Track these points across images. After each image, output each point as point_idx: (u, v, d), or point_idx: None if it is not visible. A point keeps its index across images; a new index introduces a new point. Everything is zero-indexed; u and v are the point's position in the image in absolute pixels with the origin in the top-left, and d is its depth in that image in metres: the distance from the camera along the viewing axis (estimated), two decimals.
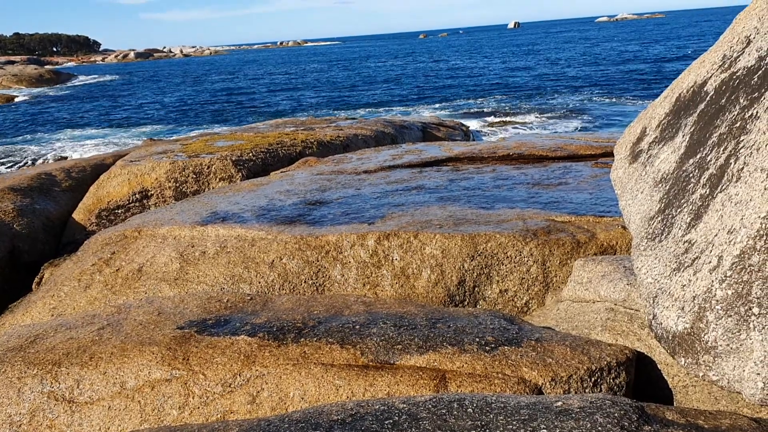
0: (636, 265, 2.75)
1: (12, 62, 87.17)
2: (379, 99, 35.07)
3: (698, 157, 2.69)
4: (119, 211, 7.57)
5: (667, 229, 2.63)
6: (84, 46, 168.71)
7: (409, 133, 11.81)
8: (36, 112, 37.96)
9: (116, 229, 5.74)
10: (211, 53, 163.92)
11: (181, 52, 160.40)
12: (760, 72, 2.52)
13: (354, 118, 13.35)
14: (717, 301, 2.07)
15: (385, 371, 3.01)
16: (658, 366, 3.13)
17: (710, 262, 2.17)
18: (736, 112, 2.53)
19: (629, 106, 25.60)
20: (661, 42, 66.09)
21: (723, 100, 2.74)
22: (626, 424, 2.16)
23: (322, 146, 9.37)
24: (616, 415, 2.21)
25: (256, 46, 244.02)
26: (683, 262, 2.34)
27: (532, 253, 4.37)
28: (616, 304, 3.52)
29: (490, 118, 24.28)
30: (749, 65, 2.67)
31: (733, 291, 2.03)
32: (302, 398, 2.99)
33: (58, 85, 63.28)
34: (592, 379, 2.95)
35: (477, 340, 3.21)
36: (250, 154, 8.45)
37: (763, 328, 1.94)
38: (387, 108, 30.66)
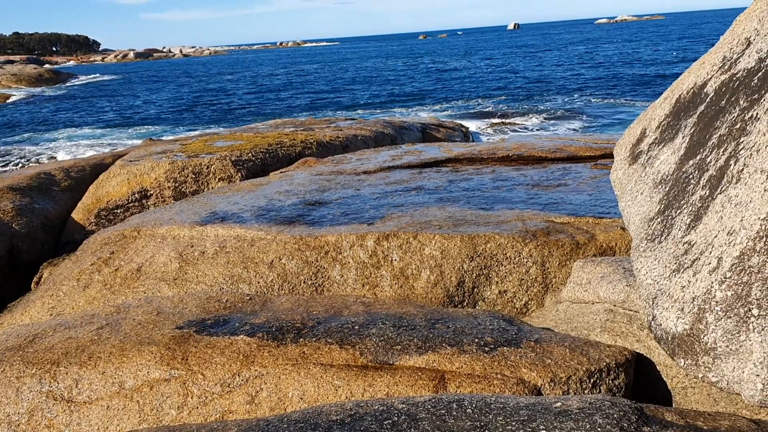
0: (635, 266, 2.75)
1: (11, 62, 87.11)
2: (378, 100, 35.07)
3: (698, 158, 2.69)
4: (118, 211, 7.56)
5: (666, 231, 2.63)
6: (83, 45, 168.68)
7: (409, 133, 11.82)
8: (33, 112, 37.93)
9: (115, 228, 5.73)
10: (210, 53, 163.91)
11: (181, 52, 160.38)
12: (760, 74, 2.52)
13: (353, 119, 13.36)
14: (716, 302, 2.07)
15: (385, 372, 3.01)
16: (657, 367, 3.13)
17: (710, 263, 2.17)
18: (736, 114, 2.54)
19: (629, 107, 25.61)
20: (660, 43, 66.15)
21: (723, 102, 2.74)
22: (625, 425, 2.16)
23: (321, 147, 9.37)
24: (615, 416, 2.21)
25: (255, 47, 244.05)
26: (683, 264, 2.34)
27: (531, 254, 4.37)
28: (615, 306, 3.52)
29: (490, 119, 24.28)
30: (749, 67, 2.67)
31: (733, 292, 2.03)
32: (301, 398, 2.99)
33: (57, 85, 63.24)
34: (592, 380, 2.95)
35: (476, 340, 3.21)
36: (250, 155, 8.45)
37: (763, 329, 1.94)
38: (386, 109, 30.67)
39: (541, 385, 2.89)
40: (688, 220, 2.48)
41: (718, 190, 2.35)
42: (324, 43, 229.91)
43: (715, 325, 2.06)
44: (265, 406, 3.02)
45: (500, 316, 3.63)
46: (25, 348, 3.54)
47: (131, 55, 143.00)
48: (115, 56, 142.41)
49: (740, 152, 2.32)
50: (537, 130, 21.56)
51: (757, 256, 1.99)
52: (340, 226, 4.93)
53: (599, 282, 3.68)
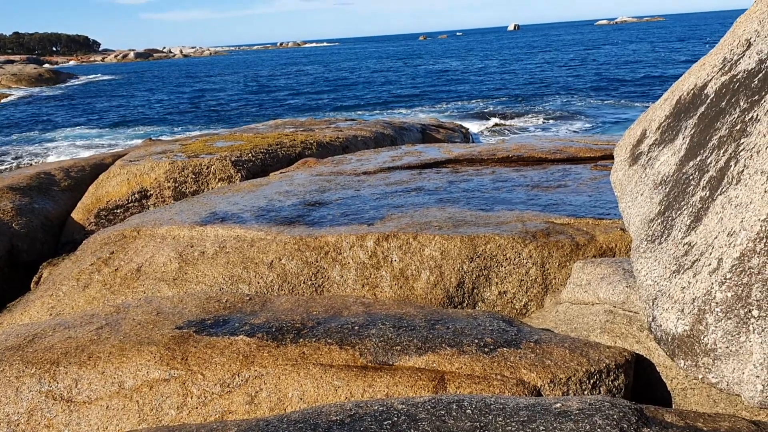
0: (635, 267, 2.75)
1: (11, 62, 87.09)
2: (378, 100, 35.07)
3: (698, 159, 2.69)
4: (118, 211, 7.56)
5: (666, 232, 2.63)
6: (84, 45, 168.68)
7: (409, 134, 11.82)
8: (33, 112, 37.92)
9: (115, 228, 5.73)
10: (210, 54, 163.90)
11: (181, 52, 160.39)
12: (761, 75, 2.52)
13: (353, 120, 13.36)
14: (716, 303, 2.07)
15: (384, 372, 3.01)
16: (657, 368, 3.13)
17: (710, 264, 2.17)
18: (736, 115, 2.54)
19: (629, 108, 25.61)
20: (660, 45, 66.18)
21: (723, 103, 2.74)
22: (625, 426, 2.16)
23: (321, 147, 9.37)
24: (615, 416, 2.21)
25: (255, 47, 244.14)
26: (683, 265, 2.34)
27: (531, 255, 4.37)
28: (615, 307, 3.52)
29: (490, 120, 24.29)
30: (749, 68, 2.68)
31: (733, 293, 2.03)
32: (301, 399, 2.99)
33: (57, 85, 63.22)
34: (591, 381, 2.95)
35: (476, 341, 3.20)
36: (250, 155, 8.45)
37: (763, 330, 1.94)
38: (386, 109, 30.67)
39: (541, 385, 2.89)
40: (689, 221, 2.48)
41: (719, 191, 2.36)
42: (324, 44, 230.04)
43: (715, 326, 2.06)
44: (264, 406, 3.02)
45: (500, 316, 3.63)
46: (24, 348, 3.54)
47: (131, 55, 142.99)
48: (115, 56, 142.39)
49: (740, 153, 2.33)
50: (537, 131, 21.56)
51: (758, 257, 1.99)
52: (340, 226, 4.93)
53: (599, 283, 3.68)
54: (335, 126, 11.28)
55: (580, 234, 4.52)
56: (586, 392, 2.92)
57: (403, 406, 2.38)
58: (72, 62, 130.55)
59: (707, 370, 2.10)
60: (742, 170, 2.25)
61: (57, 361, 3.34)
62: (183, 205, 6.20)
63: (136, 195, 7.70)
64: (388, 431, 2.22)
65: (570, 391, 2.90)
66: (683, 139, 2.99)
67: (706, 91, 3.03)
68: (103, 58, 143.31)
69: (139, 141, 18.24)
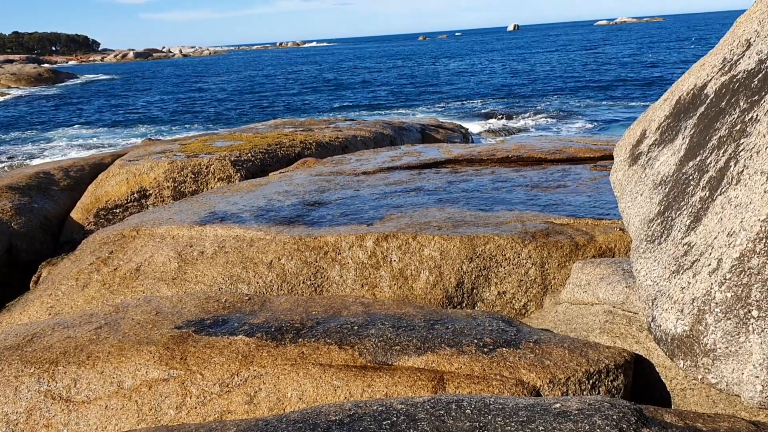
0: (635, 267, 2.75)
1: (11, 61, 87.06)
2: (377, 100, 35.08)
3: (698, 159, 2.69)
4: (117, 211, 7.56)
5: (666, 232, 2.63)
6: (83, 45, 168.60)
7: (408, 134, 11.81)
8: (31, 111, 37.89)
9: (114, 228, 5.73)
10: (210, 53, 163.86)
11: (181, 52, 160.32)
12: (761, 75, 2.52)
13: (353, 120, 13.36)
14: (716, 303, 2.07)
15: (384, 372, 3.00)
16: (657, 369, 3.13)
17: (710, 264, 2.17)
18: (736, 115, 2.54)
19: (628, 108, 25.62)
20: (660, 45, 66.21)
21: (723, 103, 2.74)
22: (624, 426, 2.16)
23: (320, 147, 9.36)
24: (614, 417, 2.21)
25: (255, 47, 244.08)
26: (682, 265, 2.34)
27: (530, 256, 4.37)
28: (614, 307, 3.52)
29: (489, 121, 24.29)
30: (749, 68, 2.67)
31: (733, 294, 2.03)
32: (300, 399, 2.99)
33: (56, 84, 63.20)
34: (591, 381, 2.94)
35: (475, 341, 3.20)
36: (249, 155, 8.44)
37: (762, 331, 1.94)
38: (386, 109, 30.68)
39: (540, 386, 2.89)
40: (688, 221, 2.48)
41: (718, 191, 2.35)
42: (324, 44, 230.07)
43: (715, 327, 2.06)
44: (263, 406, 3.02)
45: (499, 317, 3.63)
46: (23, 347, 3.53)
47: (131, 55, 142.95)
48: (115, 56, 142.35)
49: (740, 154, 2.32)
50: (536, 131, 21.57)
51: (757, 257, 1.99)
52: (340, 226, 4.93)
53: (598, 283, 3.67)
54: (334, 126, 11.28)
55: (579, 234, 4.52)
56: (585, 392, 2.92)
57: (403, 406, 2.38)
58: (71, 62, 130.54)
59: (707, 371, 2.10)
60: (742, 170, 2.25)
61: (56, 360, 3.33)
62: (182, 205, 6.20)
63: (135, 195, 7.70)
64: (388, 431, 2.21)
65: (569, 392, 2.90)
66: (683, 139, 2.98)
67: (705, 92, 3.03)
68: (103, 58, 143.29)
69: (138, 141, 18.23)
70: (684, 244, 2.42)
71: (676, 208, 2.64)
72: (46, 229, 7.08)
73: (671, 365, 3.05)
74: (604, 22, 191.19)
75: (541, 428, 2.16)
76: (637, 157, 3.48)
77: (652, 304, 2.42)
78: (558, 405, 2.32)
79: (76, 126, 30.47)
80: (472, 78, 44.67)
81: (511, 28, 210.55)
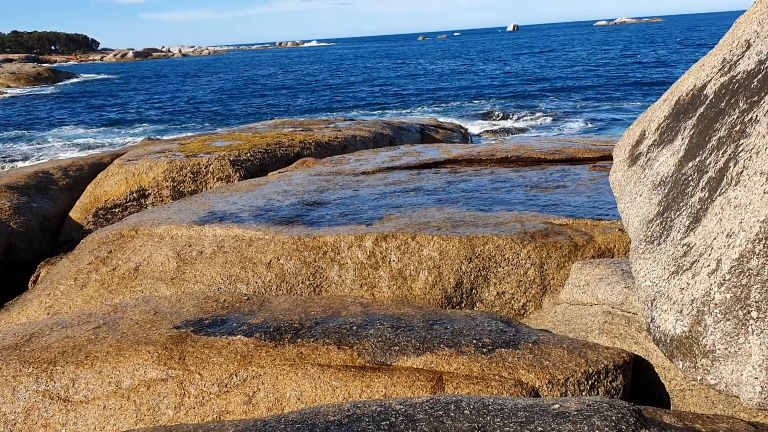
0: (634, 268, 2.75)
1: (10, 60, 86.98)
2: (377, 100, 35.07)
3: (697, 160, 2.68)
4: (116, 210, 7.55)
5: (665, 232, 2.62)
6: (83, 44, 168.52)
7: (408, 134, 11.81)
8: (30, 110, 37.85)
9: (113, 228, 5.72)
10: (210, 53, 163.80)
11: (180, 52, 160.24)
12: (760, 76, 2.52)
13: (352, 120, 13.35)
14: (715, 304, 2.07)
15: (382, 372, 3.00)
16: (656, 369, 3.13)
17: (709, 265, 2.17)
18: (735, 116, 2.53)
19: (628, 109, 25.63)
20: (660, 45, 66.24)
21: (722, 104, 2.74)
22: (623, 427, 2.16)
23: (320, 147, 9.36)
24: (613, 418, 2.21)
25: (255, 47, 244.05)
26: (682, 266, 2.34)
27: (529, 256, 4.37)
28: (613, 308, 3.52)
29: (489, 121, 24.30)
30: (749, 69, 2.67)
31: (732, 295, 2.02)
32: (299, 399, 2.98)
33: (55, 84, 63.16)
34: (589, 382, 2.94)
35: (474, 342, 3.20)
36: (248, 155, 8.44)
37: (762, 332, 1.94)
38: (385, 109, 30.67)
39: (539, 386, 2.89)
40: (687, 222, 2.48)
41: (718, 192, 2.35)
42: (323, 44, 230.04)
43: (714, 328, 2.06)
44: (262, 406, 3.01)
45: (498, 317, 3.63)
46: (22, 347, 3.52)
47: (130, 54, 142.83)
48: (114, 56, 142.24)
49: (740, 154, 2.32)
50: (536, 131, 21.57)
51: (757, 258, 1.98)
52: (339, 226, 4.93)
53: (597, 284, 3.67)
54: (334, 126, 11.28)
55: (578, 235, 4.52)
56: (584, 393, 2.91)
57: (401, 407, 2.38)
58: (71, 61, 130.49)
59: (706, 372, 2.10)
60: (742, 171, 2.25)
61: (54, 360, 3.33)
62: (181, 205, 6.20)
63: (134, 194, 7.69)
64: None
65: (568, 392, 2.89)
66: (682, 139, 2.98)
67: (705, 92, 3.03)
68: (102, 57, 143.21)
69: (137, 140, 18.21)
70: (683, 245, 2.41)
71: (676, 208, 2.64)
72: (45, 229, 7.08)
73: (670, 366, 3.05)
74: (603, 23, 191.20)
75: (539, 429, 2.16)
76: (636, 157, 3.48)
77: (651, 304, 2.42)
78: (557, 406, 2.32)
79: (74, 125, 30.44)
80: (471, 78, 44.66)
81: (510, 28, 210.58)
